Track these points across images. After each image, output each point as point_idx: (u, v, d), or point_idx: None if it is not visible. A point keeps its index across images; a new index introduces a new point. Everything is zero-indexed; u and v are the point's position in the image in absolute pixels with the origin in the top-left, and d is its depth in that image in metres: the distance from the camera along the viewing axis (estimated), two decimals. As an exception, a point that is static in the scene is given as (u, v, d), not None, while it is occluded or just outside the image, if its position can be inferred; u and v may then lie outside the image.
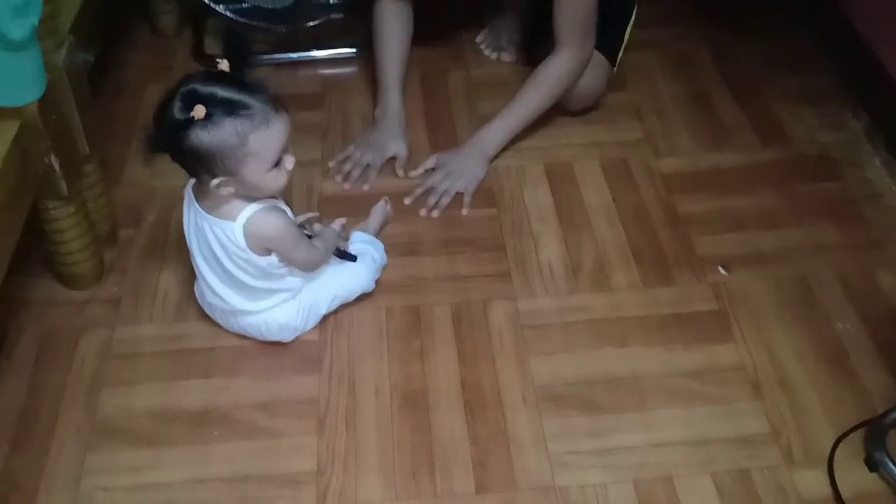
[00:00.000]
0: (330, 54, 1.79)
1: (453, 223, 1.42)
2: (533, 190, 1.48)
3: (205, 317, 1.25)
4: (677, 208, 1.44)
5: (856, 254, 1.36)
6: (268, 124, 1.01)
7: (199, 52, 1.77)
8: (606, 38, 1.57)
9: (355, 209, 1.39)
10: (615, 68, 1.62)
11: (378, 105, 1.57)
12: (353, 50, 1.80)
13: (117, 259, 1.35)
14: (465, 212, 1.43)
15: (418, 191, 1.46)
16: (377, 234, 1.35)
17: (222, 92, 0.98)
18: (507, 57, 1.78)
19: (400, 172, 1.50)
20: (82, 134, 1.16)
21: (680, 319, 1.26)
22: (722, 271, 1.33)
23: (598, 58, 1.56)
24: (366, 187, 1.48)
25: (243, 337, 1.23)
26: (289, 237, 1.10)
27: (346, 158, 1.51)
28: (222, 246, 1.10)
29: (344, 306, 1.26)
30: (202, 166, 1.02)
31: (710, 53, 1.79)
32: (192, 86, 0.98)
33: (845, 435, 1.10)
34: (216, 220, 1.08)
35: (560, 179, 1.50)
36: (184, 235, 1.16)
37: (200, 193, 1.10)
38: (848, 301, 1.28)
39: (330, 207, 1.41)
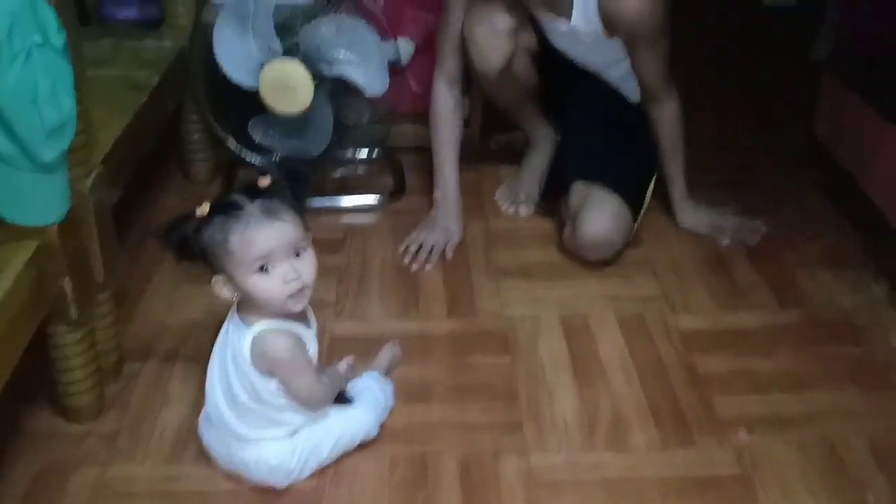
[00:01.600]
0: (354, 202, 1.84)
1: (466, 369, 1.39)
2: (548, 340, 1.45)
3: (202, 458, 1.20)
4: (696, 366, 1.40)
5: (885, 421, 1.29)
6: (248, 226, 1.03)
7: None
8: (632, 191, 1.61)
9: (366, 350, 1.36)
10: (636, 225, 1.64)
11: (437, 189, 1.71)
12: (377, 200, 1.84)
13: (120, 393, 1.32)
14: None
15: None
16: (386, 376, 1.31)
17: (234, 196, 1.04)
18: (524, 211, 1.81)
19: (449, 254, 1.65)
20: (100, 262, 1.17)
21: (701, 483, 1.19)
22: (743, 434, 1.27)
23: (623, 210, 1.59)
24: (428, 267, 1.61)
25: (239, 482, 1.17)
26: (293, 364, 1.08)
27: (412, 242, 1.65)
28: (233, 350, 1.09)
29: (346, 452, 1.21)
30: (205, 262, 1.06)
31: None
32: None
33: None
34: (239, 321, 1.09)
35: (576, 331, 1.47)
36: (189, 371, 1.17)
37: (238, 304, 1.12)
38: (878, 469, 1.20)
39: (341, 348, 1.39)
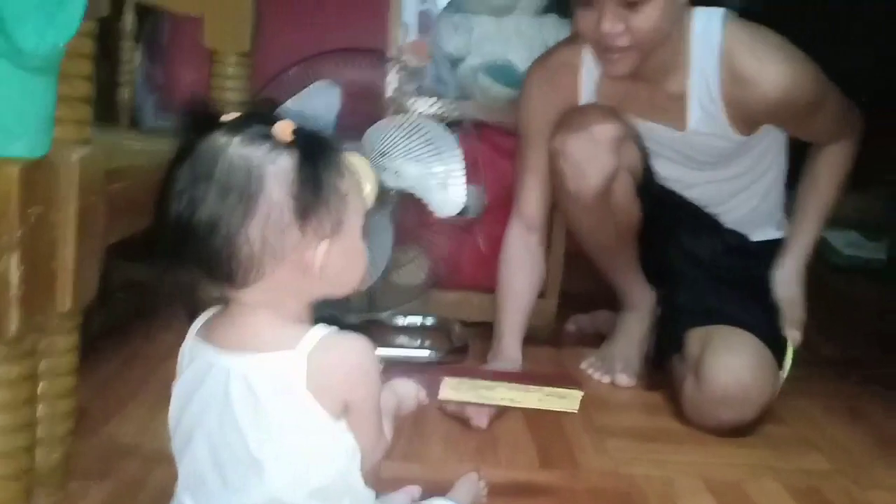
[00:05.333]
0: (405, 354, 1.48)
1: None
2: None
3: None
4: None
5: None
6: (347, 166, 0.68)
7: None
8: (769, 333, 1.24)
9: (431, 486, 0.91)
10: (783, 375, 1.25)
11: (490, 353, 1.36)
12: (431, 355, 1.48)
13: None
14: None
15: None
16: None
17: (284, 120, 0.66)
18: (623, 380, 1.41)
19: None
20: (70, 274, 0.80)
21: None
22: None
23: (763, 350, 1.22)
24: (483, 423, 1.16)
25: None
26: (378, 385, 0.69)
27: None
28: (254, 400, 0.65)
29: None
30: (308, 220, 0.64)
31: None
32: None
33: None
34: (255, 354, 0.66)
35: (731, 499, 1.02)
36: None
37: (219, 327, 0.69)
38: None
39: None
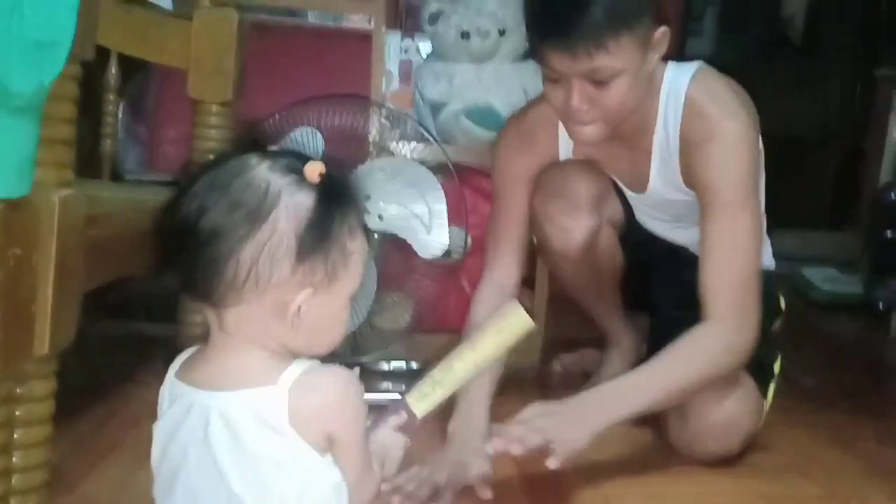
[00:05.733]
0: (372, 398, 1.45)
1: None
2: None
3: None
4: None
5: None
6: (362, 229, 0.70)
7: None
8: (753, 361, 1.23)
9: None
10: (766, 405, 1.24)
11: (453, 418, 1.17)
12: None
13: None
14: (552, 464, 1.04)
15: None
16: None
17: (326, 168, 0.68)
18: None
19: (486, 494, 1.06)
20: (49, 319, 0.79)
21: None
22: None
23: (746, 379, 1.21)
24: (488, 494, 1.06)
25: None
26: (363, 417, 0.69)
27: (408, 480, 1.05)
28: (234, 437, 0.64)
29: None
30: (302, 262, 0.64)
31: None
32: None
33: None
34: (235, 390, 0.65)
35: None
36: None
37: (197, 366, 0.69)
38: None
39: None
